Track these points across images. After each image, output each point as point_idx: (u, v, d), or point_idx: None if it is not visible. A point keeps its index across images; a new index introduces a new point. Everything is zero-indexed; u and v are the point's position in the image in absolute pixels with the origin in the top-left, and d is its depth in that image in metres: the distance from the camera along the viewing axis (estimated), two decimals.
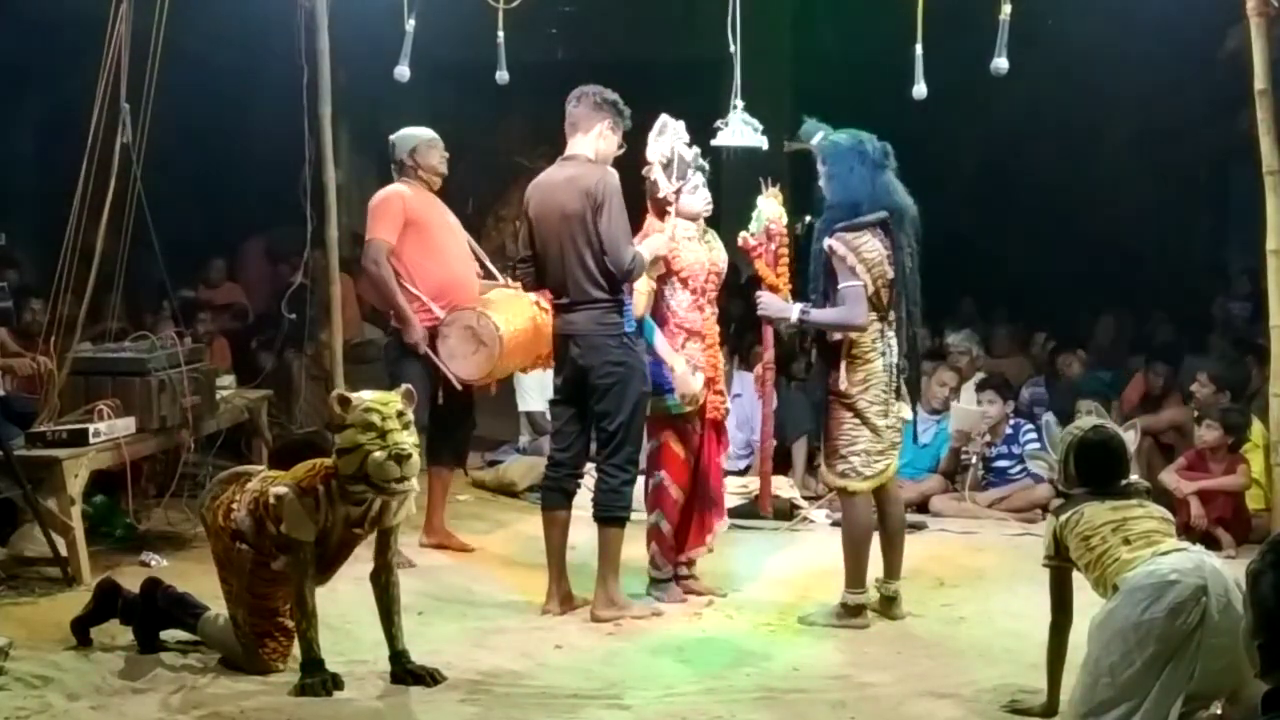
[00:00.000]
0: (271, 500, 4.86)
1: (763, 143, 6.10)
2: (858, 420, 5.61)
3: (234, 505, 5.03)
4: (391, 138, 6.96)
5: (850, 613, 5.70)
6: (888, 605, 5.80)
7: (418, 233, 6.71)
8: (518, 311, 6.59)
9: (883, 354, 5.61)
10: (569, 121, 5.90)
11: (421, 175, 6.85)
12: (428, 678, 4.95)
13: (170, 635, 5.33)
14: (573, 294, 5.78)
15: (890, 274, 5.57)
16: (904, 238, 5.62)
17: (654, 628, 5.73)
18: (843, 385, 5.58)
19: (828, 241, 5.56)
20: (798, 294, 5.92)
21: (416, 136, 6.92)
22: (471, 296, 6.74)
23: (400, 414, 4.78)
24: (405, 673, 4.96)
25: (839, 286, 5.53)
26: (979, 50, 6.18)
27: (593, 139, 5.83)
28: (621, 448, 5.79)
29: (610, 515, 5.81)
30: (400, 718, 4.71)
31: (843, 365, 5.58)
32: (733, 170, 6.15)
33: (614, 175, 5.77)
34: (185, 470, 7.02)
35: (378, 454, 4.67)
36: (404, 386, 4.97)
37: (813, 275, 5.73)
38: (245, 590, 5.02)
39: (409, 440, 4.75)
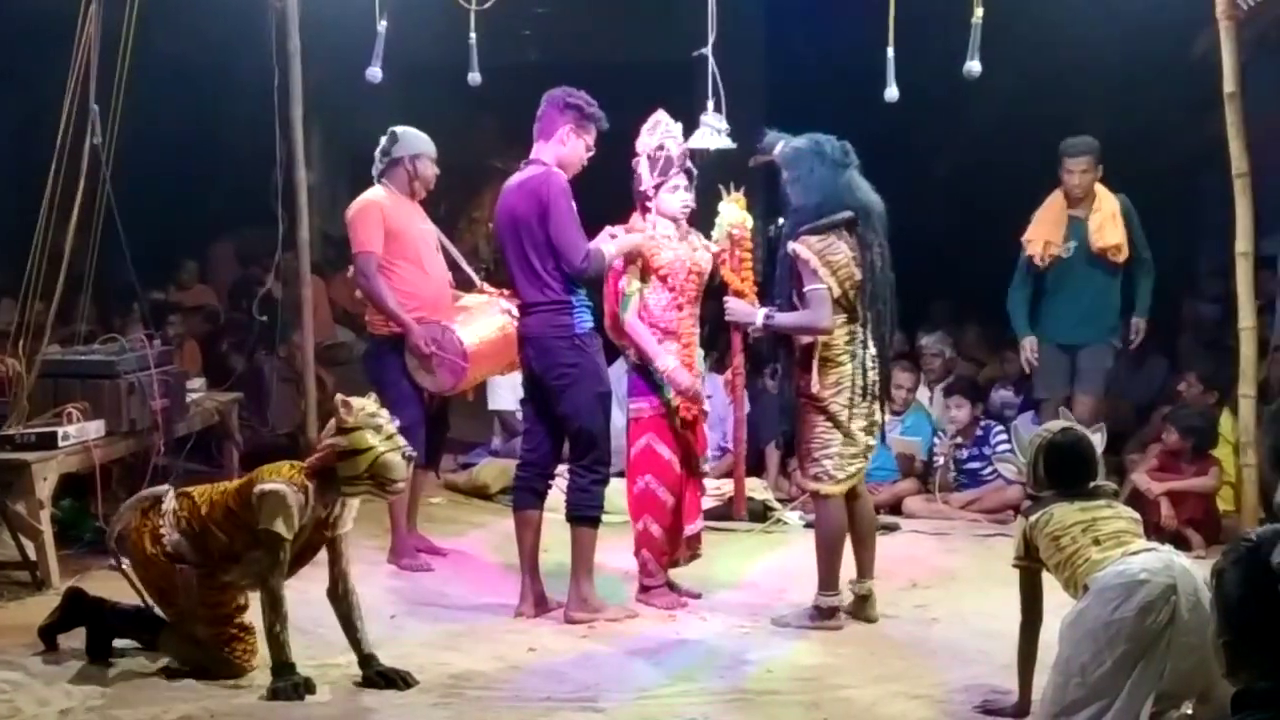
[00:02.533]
0: (254, 496, 4.85)
1: (711, 144, 6.09)
2: (830, 424, 5.61)
3: (161, 530, 5.03)
4: (396, 131, 6.79)
5: (823, 614, 5.71)
6: (861, 605, 5.81)
7: (392, 241, 6.66)
8: (487, 322, 6.56)
9: (854, 356, 5.61)
10: (535, 125, 5.90)
11: (414, 185, 6.78)
12: (399, 680, 4.94)
13: (126, 644, 5.30)
14: (525, 296, 5.82)
15: (858, 275, 5.58)
16: (872, 236, 5.62)
17: (628, 630, 5.72)
18: (815, 389, 5.58)
19: (791, 245, 5.58)
20: (765, 298, 5.94)
21: (422, 146, 6.80)
22: (443, 305, 6.70)
23: (389, 419, 4.94)
24: (376, 675, 4.95)
25: (804, 290, 5.54)
26: (952, 53, 6.21)
27: (554, 143, 5.83)
28: (587, 449, 5.80)
29: (581, 515, 5.82)
30: None
31: (814, 368, 5.58)
32: (701, 173, 6.15)
33: (560, 176, 5.75)
34: (155, 474, 6.97)
35: (391, 455, 4.82)
36: (370, 395, 5.09)
37: (779, 279, 5.75)
38: (198, 605, 4.99)
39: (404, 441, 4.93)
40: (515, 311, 6.18)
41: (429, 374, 6.52)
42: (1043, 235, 7.85)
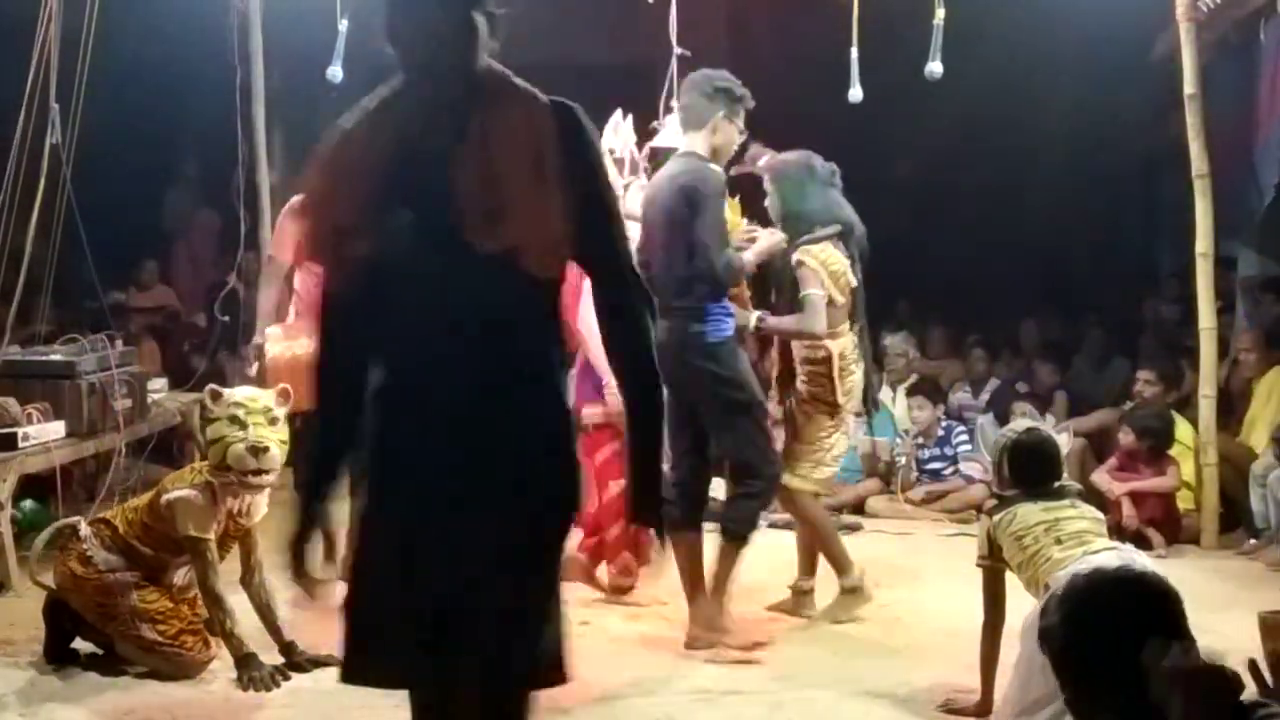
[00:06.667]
0: (163, 507, 4.92)
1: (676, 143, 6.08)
2: (834, 427, 5.75)
3: (88, 552, 5.04)
4: None
5: (850, 596, 5.82)
6: (799, 601, 5.89)
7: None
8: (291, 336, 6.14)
9: (858, 362, 5.73)
10: (681, 117, 5.60)
11: None
12: (323, 662, 4.99)
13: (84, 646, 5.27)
14: (661, 299, 5.57)
15: (854, 282, 5.72)
16: (854, 251, 5.77)
17: (591, 631, 5.71)
18: (840, 398, 5.67)
19: (796, 255, 5.66)
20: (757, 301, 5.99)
21: None
22: None
23: (267, 409, 4.94)
24: (304, 662, 5.03)
25: (802, 293, 5.60)
26: (914, 55, 6.24)
27: (706, 133, 5.45)
28: (735, 464, 5.50)
29: (729, 531, 5.51)
30: None
31: (836, 377, 5.64)
32: None
33: (716, 176, 5.35)
34: (117, 474, 6.93)
35: (237, 446, 4.84)
36: (280, 385, 5.09)
37: (775, 286, 5.85)
38: (137, 605, 4.98)
39: (271, 436, 4.90)
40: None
41: None
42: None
